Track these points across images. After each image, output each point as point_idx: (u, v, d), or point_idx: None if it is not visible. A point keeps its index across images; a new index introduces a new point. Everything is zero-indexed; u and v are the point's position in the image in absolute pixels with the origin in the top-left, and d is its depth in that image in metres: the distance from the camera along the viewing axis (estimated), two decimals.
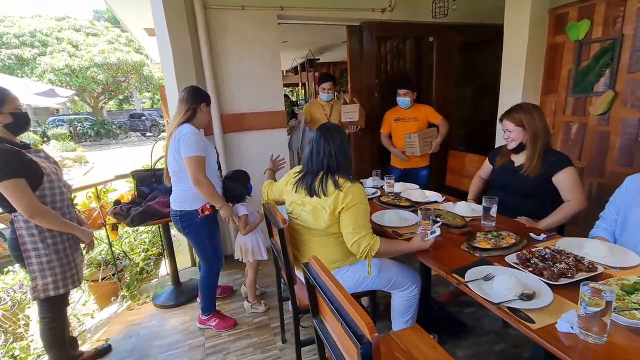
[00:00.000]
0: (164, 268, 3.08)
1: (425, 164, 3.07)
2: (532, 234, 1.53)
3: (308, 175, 1.52)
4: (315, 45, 6.12)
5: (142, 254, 3.14)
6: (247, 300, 2.34)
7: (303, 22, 3.14)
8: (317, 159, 1.48)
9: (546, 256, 1.26)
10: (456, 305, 2.21)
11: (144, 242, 3.33)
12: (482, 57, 4.14)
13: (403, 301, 1.65)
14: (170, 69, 2.50)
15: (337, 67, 8.19)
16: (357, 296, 1.63)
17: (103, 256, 2.81)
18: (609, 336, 0.90)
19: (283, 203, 1.72)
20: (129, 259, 2.98)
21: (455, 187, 2.78)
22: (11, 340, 2.09)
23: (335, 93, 3.24)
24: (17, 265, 2.21)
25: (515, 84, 2.65)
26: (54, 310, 1.67)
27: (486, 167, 2.15)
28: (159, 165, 2.60)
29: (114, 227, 2.89)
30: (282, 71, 6.26)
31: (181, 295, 2.52)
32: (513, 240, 1.44)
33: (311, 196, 1.47)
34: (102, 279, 2.72)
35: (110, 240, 2.78)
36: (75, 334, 2.14)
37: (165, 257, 2.80)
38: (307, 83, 8.05)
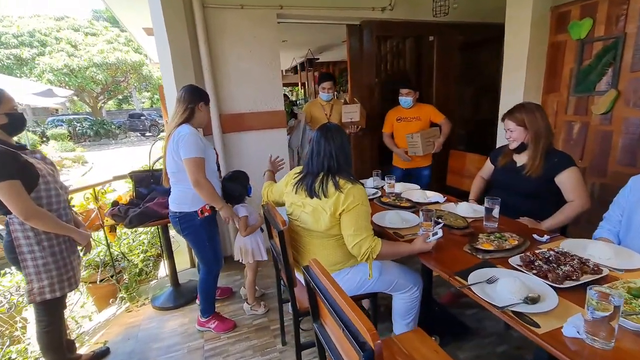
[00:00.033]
0: (163, 269, 3.06)
1: (427, 164, 3.05)
2: (535, 235, 1.51)
3: (308, 176, 1.50)
4: (314, 44, 6.09)
5: (141, 255, 3.12)
6: (247, 302, 2.32)
7: (303, 21, 3.12)
8: (318, 160, 1.46)
9: (550, 258, 1.24)
10: (458, 306, 2.19)
11: (143, 243, 3.31)
12: (482, 56, 4.13)
13: (404, 303, 1.63)
14: (169, 69, 2.47)
15: (337, 67, 8.17)
16: (358, 298, 1.61)
17: (101, 257, 2.79)
18: (616, 341, 0.88)
19: (283, 204, 1.70)
20: (128, 260, 2.96)
21: (456, 187, 2.76)
22: (8, 343, 2.07)
23: (335, 93, 3.22)
24: (13, 268, 2.19)
25: (516, 83, 2.63)
26: (51, 314, 1.65)
27: (487, 167, 2.13)
28: (157, 166, 2.57)
29: (112, 229, 2.87)
30: (282, 71, 6.22)
31: (180, 297, 2.50)
32: (516, 242, 1.41)
33: (311, 197, 1.45)
34: (101, 280, 2.71)
35: (109, 241, 2.76)
36: (73, 336, 2.12)
37: (164, 258, 2.78)
38: (306, 83, 8.02)
